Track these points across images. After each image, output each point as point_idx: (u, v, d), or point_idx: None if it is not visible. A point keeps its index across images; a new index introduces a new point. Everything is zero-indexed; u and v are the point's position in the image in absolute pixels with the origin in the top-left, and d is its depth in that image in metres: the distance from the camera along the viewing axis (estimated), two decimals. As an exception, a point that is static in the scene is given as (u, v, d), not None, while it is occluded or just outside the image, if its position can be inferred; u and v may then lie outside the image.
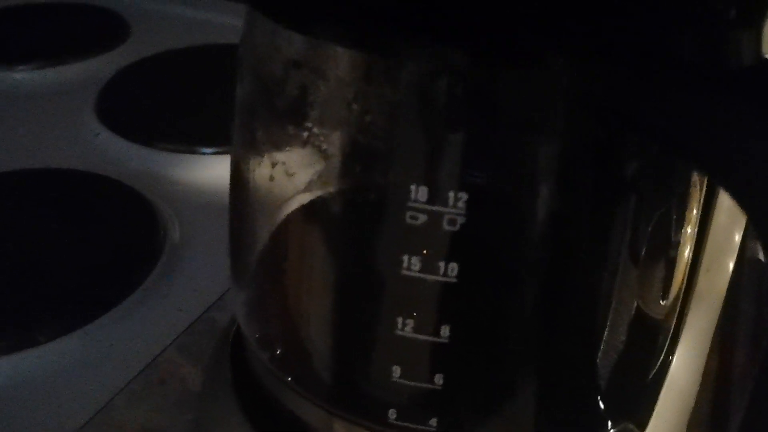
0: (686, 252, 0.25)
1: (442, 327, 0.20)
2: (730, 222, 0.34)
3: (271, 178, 0.21)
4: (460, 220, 0.19)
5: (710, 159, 0.17)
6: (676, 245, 0.24)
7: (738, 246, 0.36)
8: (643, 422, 0.27)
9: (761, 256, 0.47)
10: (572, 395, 0.23)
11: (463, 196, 0.18)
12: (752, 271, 0.44)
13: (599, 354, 0.22)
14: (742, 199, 0.16)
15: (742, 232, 0.35)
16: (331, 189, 0.20)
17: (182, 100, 0.62)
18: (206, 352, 0.36)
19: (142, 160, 0.53)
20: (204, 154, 0.54)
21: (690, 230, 0.25)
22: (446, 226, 0.19)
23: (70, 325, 0.39)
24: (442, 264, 0.19)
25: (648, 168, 0.20)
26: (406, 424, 0.22)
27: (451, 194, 0.18)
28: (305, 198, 0.21)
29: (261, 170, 0.22)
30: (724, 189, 0.16)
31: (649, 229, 0.22)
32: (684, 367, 0.33)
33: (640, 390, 0.26)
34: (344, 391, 0.23)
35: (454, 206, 0.18)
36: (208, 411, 0.30)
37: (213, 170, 0.53)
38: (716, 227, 0.31)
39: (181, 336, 0.38)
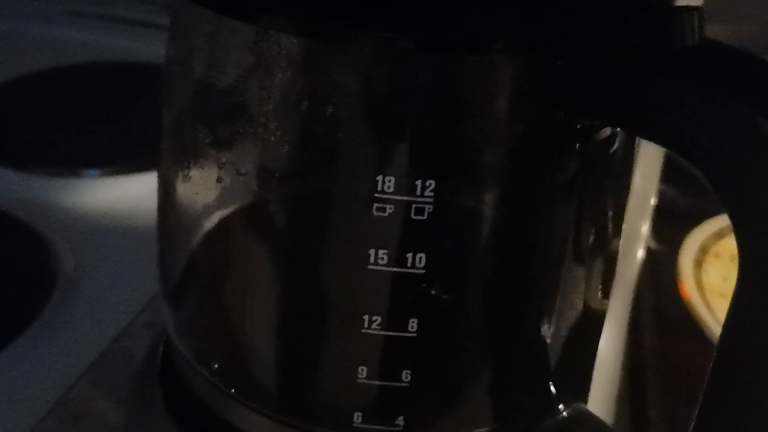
0: (615, 244, 0.26)
1: (410, 321, 0.20)
2: (637, 212, 0.36)
3: (219, 180, 0.20)
4: (428, 209, 0.18)
5: (662, 131, 0.18)
6: (610, 239, 0.25)
7: (645, 236, 0.38)
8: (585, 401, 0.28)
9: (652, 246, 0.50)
10: (531, 384, 0.23)
11: (431, 184, 0.18)
12: (650, 260, 0.47)
13: (552, 343, 0.23)
14: (697, 162, 0.17)
15: (648, 223, 0.38)
16: (289, 187, 0.19)
17: (55, 123, 0.58)
18: (122, 383, 0.34)
19: (21, 187, 0.49)
20: (88, 177, 0.51)
21: (618, 223, 0.25)
22: (414, 216, 0.18)
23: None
24: (410, 256, 0.19)
25: (595, 163, 0.21)
26: (372, 426, 0.21)
27: (419, 183, 0.18)
28: (256, 199, 0.20)
29: (203, 175, 0.21)
30: (682, 156, 0.17)
31: (593, 222, 0.23)
32: (607, 349, 0.34)
33: (583, 372, 0.27)
34: (306, 400, 0.22)
35: (422, 195, 0.18)
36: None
37: (100, 194, 0.50)
38: (627, 218, 0.33)
39: (91, 369, 0.35)
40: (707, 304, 0.38)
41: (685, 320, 0.39)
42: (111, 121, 0.58)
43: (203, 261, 0.23)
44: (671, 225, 0.48)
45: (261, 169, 0.19)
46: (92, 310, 0.40)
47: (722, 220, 0.46)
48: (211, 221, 0.21)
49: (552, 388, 0.24)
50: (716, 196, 0.17)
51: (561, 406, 0.24)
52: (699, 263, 0.41)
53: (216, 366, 0.24)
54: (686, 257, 0.41)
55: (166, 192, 0.23)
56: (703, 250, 0.43)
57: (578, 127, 0.20)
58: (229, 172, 0.20)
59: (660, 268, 0.46)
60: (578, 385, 0.25)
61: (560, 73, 0.19)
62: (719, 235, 0.44)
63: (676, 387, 0.36)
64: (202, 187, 0.21)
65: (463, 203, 0.19)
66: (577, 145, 0.20)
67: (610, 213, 0.24)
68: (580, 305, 0.23)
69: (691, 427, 0.19)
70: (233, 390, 0.23)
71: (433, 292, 0.20)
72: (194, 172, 0.21)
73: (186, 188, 0.22)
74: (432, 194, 0.18)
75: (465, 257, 0.20)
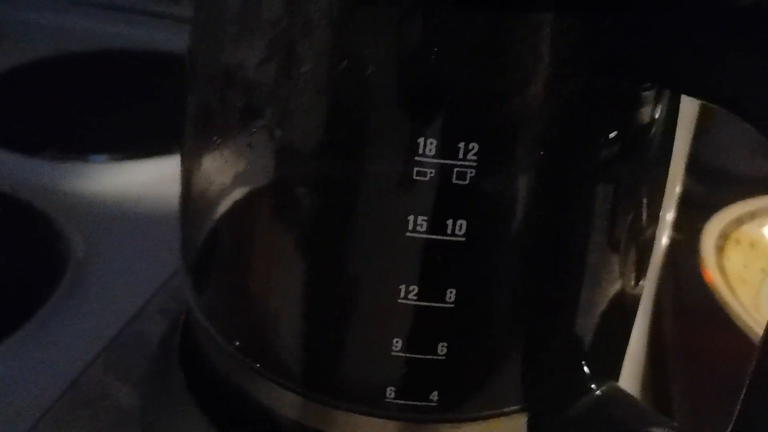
0: (653, 226, 0.26)
1: (448, 291, 0.19)
2: (665, 200, 0.35)
3: (251, 147, 0.19)
4: (470, 173, 0.18)
5: (718, 93, 0.17)
6: (649, 220, 0.24)
7: (670, 223, 0.37)
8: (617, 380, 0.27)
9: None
10: (566, 360, 0.23)
11: (474, 147, 0.18)
12: (670, 247, 0.46)
13: (589, 320, 0.22)
14: (753, 121, 0.16)
15: (673, 211, 0.37)
16: (326, 151, 0.19)
17: (63, 109, 0.57)
18: (137, 366, 0.33)
19: (30, 172, 0.48)
20: (97, 162, 0.51)
21: (656, 205, 0.25)
22: (455, 180, 0.18)
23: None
24: (450, 222, 0.18)
25: (639, 136, 0.20)
26: (405, 401, 0.21)
27: (462, 145, 0.18)
28: (289, 166, 0.20)
29: (235, 142, 0.20)
30: (740, 117, 0.17)
31: (634, 201, 0.22)
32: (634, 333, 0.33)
33: (617, 351, 0.26)
34: (338, 374, 0.21)
35: (464, 158, 0.18)
36: (160, 423, 0.27)
37: (108, 179, 0.49)
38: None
39: (105, 352, 0.34)
40: (731, 289, 0.37)
41: (708, 305, 0.38)
42: (119, 106, 0.57)
43: (232, 231, 0.22)
44: (688, 214, 0.48)
45: (296, 133, 0.19)
46: (103, 295, 0.39)
47: (741, 207, 0.45)
48: (241, 190, 0.21)
49: (586, 365, 0.23)
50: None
51: (594, 384, 0.24)
52: (720, 249, 0.41)
53: (242, 340, 0.23)
54: (708, 243, 0.41)
55: (191, 162, 0.22)
56: (724, 237, 0.42)
57: (623, 91, 0.19)
58: (261, 138, 0.19)
59: (680, 256, 0.45)
60: (612, 363, 0.25)
61: (607, 33, 0.18)
62: (739, 222, 0.43)
63: (698, 368, 0.36)
64: (232, 155, 0.20)
65: (506, 168, 0.19)
66: (622, 112, 0.19)
67: (650, 194, 0.23)
68: (618, 283, 0.23)
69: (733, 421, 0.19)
70: (259, 365, 0.23)
71: (473, 261, 0.19)
72: (225, 139, 0.20)
73: (215, 156, 0.21)
74: (475, 158, 0.18)
75: (506, 225, 0.19)
